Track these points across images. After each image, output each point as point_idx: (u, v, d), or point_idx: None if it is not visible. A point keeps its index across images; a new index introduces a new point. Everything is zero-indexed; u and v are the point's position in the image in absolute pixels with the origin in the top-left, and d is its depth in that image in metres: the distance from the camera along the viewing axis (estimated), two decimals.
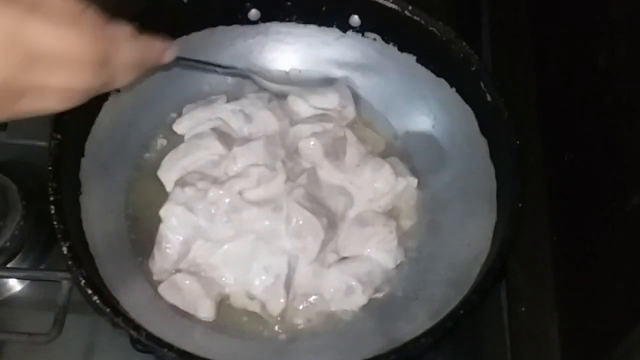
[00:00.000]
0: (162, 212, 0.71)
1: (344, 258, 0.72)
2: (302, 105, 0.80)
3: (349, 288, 0.70)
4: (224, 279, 0.70)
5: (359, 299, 0.70)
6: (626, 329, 0.56)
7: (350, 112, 0.80)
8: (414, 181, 0.77)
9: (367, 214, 0.75)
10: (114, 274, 0.66)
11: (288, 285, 0.69)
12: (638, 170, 0.59)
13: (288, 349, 0.68)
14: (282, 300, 0.69)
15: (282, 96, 0.81)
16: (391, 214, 0.76)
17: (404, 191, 0.77)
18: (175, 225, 0.70)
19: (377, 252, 0.72)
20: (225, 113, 0.78)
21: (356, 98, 0.82)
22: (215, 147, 0.74)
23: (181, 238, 0.70)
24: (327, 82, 0.81)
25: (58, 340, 0.68)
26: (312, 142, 0.75)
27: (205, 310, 0.68)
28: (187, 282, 0.69)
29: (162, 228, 0.71)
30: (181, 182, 0.73)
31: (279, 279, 0.69)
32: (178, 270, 0.70)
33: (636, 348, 0.56)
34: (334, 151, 0.76)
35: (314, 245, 0.70)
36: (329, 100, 0.79)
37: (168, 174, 0.75)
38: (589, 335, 0.64)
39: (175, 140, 0.78)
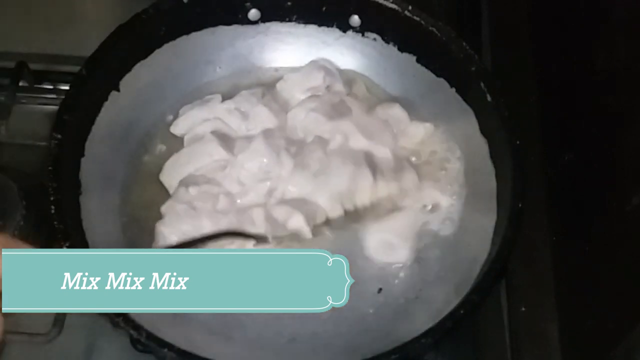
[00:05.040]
0: (164, 209, 0.71)
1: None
2: (292, 92, 0.80)
3: (390, 245, 0.72)
4: None
5: (402, 255, 0.71)
6: (626, 329, 0.56)
7: (339, 87, 0.80)
8: (430, 126, 0.77)
9: (401, 162, 0.75)
10: None
11: None
12: (638, 170, 0.59)
13: (288, 349, 0.68)
14: None
15: (271, 86, 0.81)
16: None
17: (424, 137, 0.77)
18: (173, 223, 0.70)
19: (433, 193, 0.74)
20: (221, 112, 0.77)
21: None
22: (218, 153, 0.74)
23: (176, 238, 0.70)
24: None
25: (58, 340, 0.68)
26: (311, 113, 0.76)
27: None
28: None
29: (159, 225, 0.71)
30: (185, 182, 0.73)
31: None
32: None
33: (636, 348, 0.56)
34: (337, 113, 0.76)
35: None
36: (315, 78, 0.79)
37: (171, 178, 0.74)
38: (589, 335, 0.64)
39: (173, 141, 0.78)
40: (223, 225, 0.70)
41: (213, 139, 0.75)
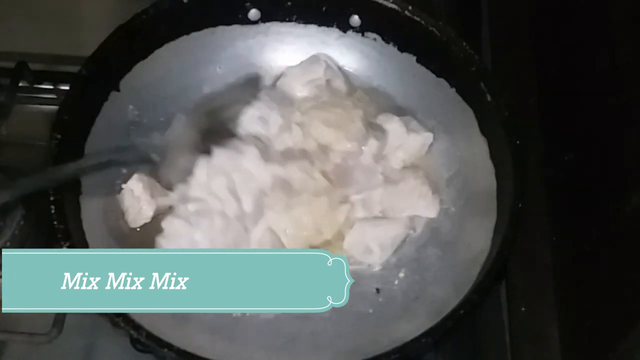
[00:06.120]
0: (164, 224, 0.71)
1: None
2: (292, 85, 0.80)
3: (367, 248, 0.72)
4: None
5: (375, 260, 0.72)
6: (626, 329, 0.56)
7: (340, 83, 0.80)
8: (429, 136, 0.77)
9: (393, 173, 0.76)
10: None
11: None
12: (638, 170, 0.59)
13: (288, 349, 0.68)
14: None
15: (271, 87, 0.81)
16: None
17: (421, 148, 0.77)
18: (172, 237, 0.70)
19: (418, 207, 0.74)
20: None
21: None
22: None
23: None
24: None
25: (58, 340, 0.68)
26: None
27: None
28: None
29: (158, 238, 0.71)
30: (185, 199, 0.72)
31: None
32: None
33: (636, 348, 0.56)
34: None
35: None
36: (315, 71, 0.80)
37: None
38: (589, 335, 0.64)
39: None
40: (219, 242, 0.70)
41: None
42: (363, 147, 0.76)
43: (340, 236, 0.73)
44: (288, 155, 0.75)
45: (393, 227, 0.73)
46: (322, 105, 0.77)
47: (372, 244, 0.72)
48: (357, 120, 0.76)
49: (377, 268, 0.73)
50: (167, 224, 0.71)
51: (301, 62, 0.81)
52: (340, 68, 0.81)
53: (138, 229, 0.73)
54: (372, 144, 0.76)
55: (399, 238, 0.73)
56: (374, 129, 0.77)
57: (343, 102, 0.78)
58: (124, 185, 0.72)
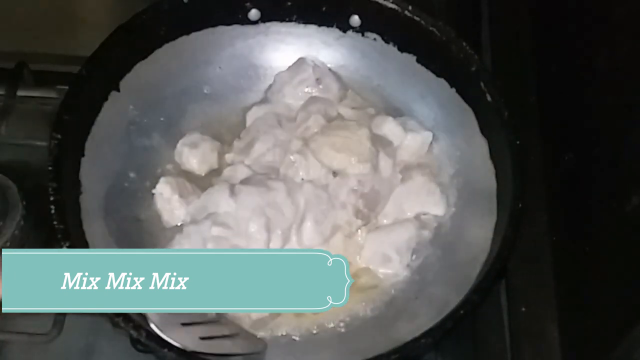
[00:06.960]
0: (186, 229, 0.70)
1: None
2: (283, 90, 0.80)
3: (386, 256, 0.72)
4: None
5: (396, 267, 0.72)
6: (626, 329, 0.56)
7: (330, 81, 0.80)
8: (428, 135, 0.77)
9: (398, 175, 0.76)
10: None
11: None
12: (638, 170, 0.59)
13: (288, 347, 0.68)
14: None
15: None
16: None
17: (421, 147, 0.77)
18: (183, 244, 0.70)
19: (426, 204, 0.74)
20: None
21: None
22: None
23: None
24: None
25: (58, 340, 0.68)
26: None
27: None
28: None
29: (178, 238, 0.70)
30: (214, 219, 0.70)
31: None
32: None
33: (636, 348, 0.56)
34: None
35: None
36: (303, 70, 0.80)
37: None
38: (589, 335, 0.64)
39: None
40: None
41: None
42: (376, 165, 0.74)
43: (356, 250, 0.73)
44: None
45: (405, 230, 0.73)
46: (327, 130, 0.76)
47: (390, 251, 0.72)
48: (365, 140, 0.74)
49: (401, 276, 0.72)
50: (186, 231, 0.70)
51: (289, 67, 0.81)
52: (330, 69, 0.81)
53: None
54: (384, 159, 0.75)
55: (413, 240, 0.73)
56: (382, 143, 0.76)
57: (347, 123, 0.77)
58: (154, 190, 0.73)
